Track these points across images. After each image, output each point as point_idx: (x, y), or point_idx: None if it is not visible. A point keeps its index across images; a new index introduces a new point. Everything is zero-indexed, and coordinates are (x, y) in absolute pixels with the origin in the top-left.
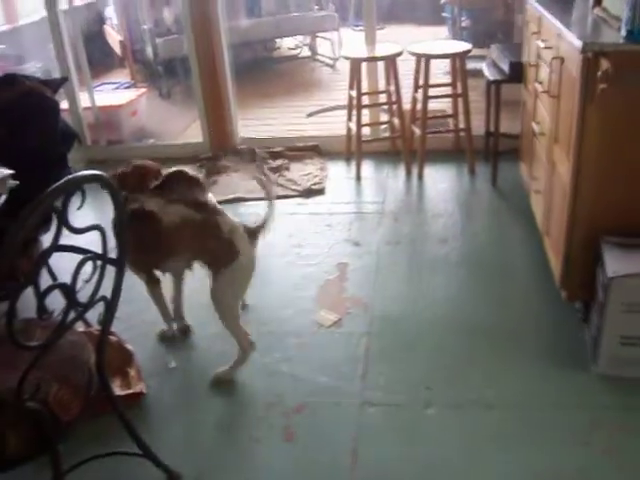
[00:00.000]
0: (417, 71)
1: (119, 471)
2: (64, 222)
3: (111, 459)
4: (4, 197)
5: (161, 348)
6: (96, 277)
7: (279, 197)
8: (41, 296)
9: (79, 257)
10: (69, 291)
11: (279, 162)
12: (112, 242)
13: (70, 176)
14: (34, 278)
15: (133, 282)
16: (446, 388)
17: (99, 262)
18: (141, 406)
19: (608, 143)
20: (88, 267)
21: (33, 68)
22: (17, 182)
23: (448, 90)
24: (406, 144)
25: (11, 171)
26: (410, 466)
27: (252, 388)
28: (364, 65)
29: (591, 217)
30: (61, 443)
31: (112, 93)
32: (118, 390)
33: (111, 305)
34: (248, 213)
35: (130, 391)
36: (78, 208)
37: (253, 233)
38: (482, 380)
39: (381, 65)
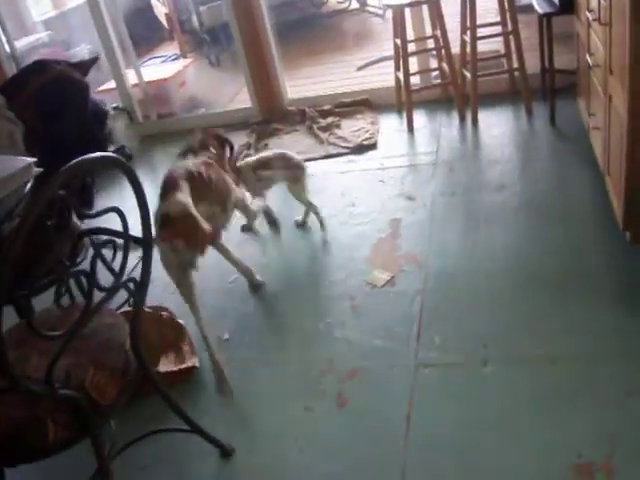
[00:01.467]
0: (463, 12)
1: (174, 447)
2: (73, 208)
3: (166, 435)
4: (30, 184)
5: (214, 321)
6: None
7: (331, 156)
8: (59, 285)
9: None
10: (89, 278)
11: (329, 120)
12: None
13: (79, 159)
14: (73, 260)
15: None
16: (506, 345)
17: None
18: (195, 379)
19: None
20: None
21: (83, 51)
22: (41, 169)
23: (498, 29)
24: (458, 89)
25: (34, 159)
26: (466, 430)
27: (305, 356)
28: (408, 11)
29: None
30: (102, 426)
31: (159, 67)
32: (172, 365)
33: (141, 286)
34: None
35: (184, 366)
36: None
37: None
38: (545, 334)
39: (426, 10)
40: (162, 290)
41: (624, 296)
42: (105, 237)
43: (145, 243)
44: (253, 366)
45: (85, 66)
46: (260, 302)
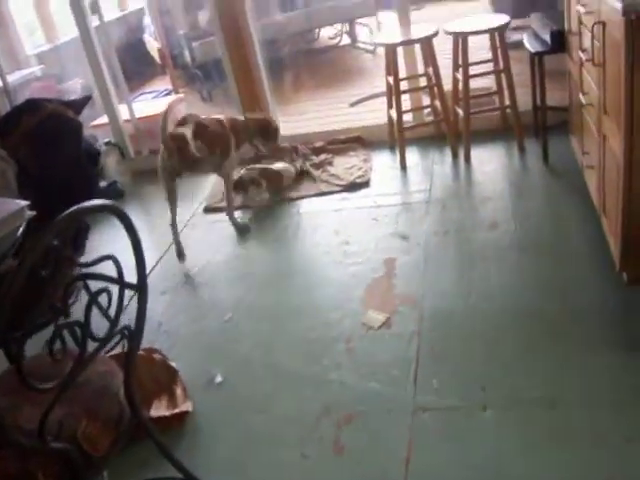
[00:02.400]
0: (455, 50)
1: None
2: (67, 258)
3: None
4: (23, 227)
5: (207, 362)
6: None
7: (324, 194)
8: (51, 339)
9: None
10: (83, 329)
11: (322, 157)
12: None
13: (74, 208)
14: (65, 309)
15: (178, 298)
16: (504, 387)
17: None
18: (188, 424)
19: None
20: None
21: (76, 85)
22: (34, 212)
23: (490, 66)
24: (450, 127)
25: (27, 202)
26: (465, 475)
27: (301, 400)
28: (401, 49)
29: None
30: (94, 478)
31: (151, 102)
32: (165, 410)
33: (135, 334)
34: (296, 212)
35: (176, 410)
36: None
37: None
38: (543, 376)
39: (418, 47)
40: (155, 330)
41: (622, 338)
42: (100, 282)
43: (140, 289)
44: (248, 411)
45: (78, 105)
46: (255, 343)
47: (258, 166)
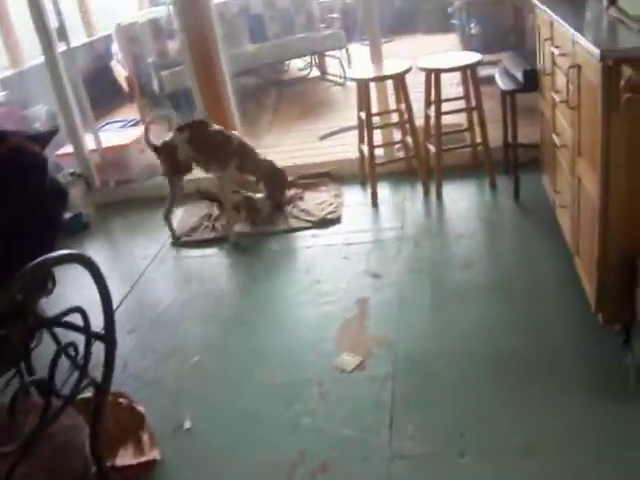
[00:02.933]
0: (427, 86)
1: None
2: (29, 314)
3: None
4: None
5: (175, 407)
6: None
7: (294, 230)
8: (13, 400)
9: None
10: (47, 387)
11: (292, 192)
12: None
13: (40, 259)
14: (17, 361)
15: (144, 338)
16: (481, 432)
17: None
18: (155, 473)
19: (638, 154)
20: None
21: (40, 111)
22: None
23: (461, 103)
24: (422, 163)
25: None
26: None
27: (274, 447)
28: (372, 85)
29: (624, 235)
30: None
31: (118, 132)
32: (131, 458)
33: (103, 389)
34: (267, 248)
35: (143, 459)
36: (47, 296)
37: None
38: (520, 420)
39: (390, 82)
40: (121, 372)
41: (598, 380)
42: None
43: (108, 342)
44: (218, 459)
45: (44, 139)
46: (225, 387)
47: (243, 192)
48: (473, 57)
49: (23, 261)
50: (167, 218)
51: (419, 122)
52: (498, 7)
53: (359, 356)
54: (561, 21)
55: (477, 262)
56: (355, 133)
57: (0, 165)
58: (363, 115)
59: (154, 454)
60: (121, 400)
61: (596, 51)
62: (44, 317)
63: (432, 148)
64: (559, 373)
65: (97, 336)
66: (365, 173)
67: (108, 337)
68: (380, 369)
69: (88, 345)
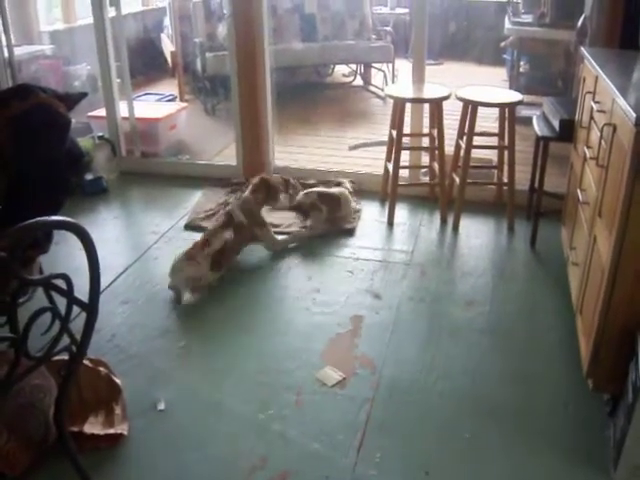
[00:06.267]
0: (463, 117)
1: None
2: (13, 273)
3: None
4: None
5: (153, 386)
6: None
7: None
8: None
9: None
10: (17, 345)
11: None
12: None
13: (31, 221)
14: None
15: (137, 312)
16: (446, 475)
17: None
18: (119, 448)
19: None
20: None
21: (82, 70)
22: None
23: (494, 140)
24: (444, 192)
25: None
26: None
27: (240, 446)
28: (409, 105)
29: (630, 306)
30: None
31: (153, 105)
32: (100, 427)
33: (77, 356)
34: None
35: (111, 431)
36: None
37: None
38: (489, 472)
39: (427, 105)
40: (107, 341)
41: (577, 446)
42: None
43: (90, 310)
44: (183, 445)
45: (72, 100)
46: (205, 377)
47: (315, 190)
48: (514, 96)
49: (25, 218)
50: None
51: (449, 150)
52: (550, 48)
53: (342, 373)
54: (605, 77)
55: (480, 302)
56: (385, 149)
57: (23, 119)
58: (394, 133)
59: (123, 428)
60: (101, 369)
61: (633, 114)
62: (28, 278)
63: (457, 179)
64: (539, 432)
65: (77, 302)
66: (387, 191)
67: (90, 305)
68: (360, 390)
69: (69, 310)
